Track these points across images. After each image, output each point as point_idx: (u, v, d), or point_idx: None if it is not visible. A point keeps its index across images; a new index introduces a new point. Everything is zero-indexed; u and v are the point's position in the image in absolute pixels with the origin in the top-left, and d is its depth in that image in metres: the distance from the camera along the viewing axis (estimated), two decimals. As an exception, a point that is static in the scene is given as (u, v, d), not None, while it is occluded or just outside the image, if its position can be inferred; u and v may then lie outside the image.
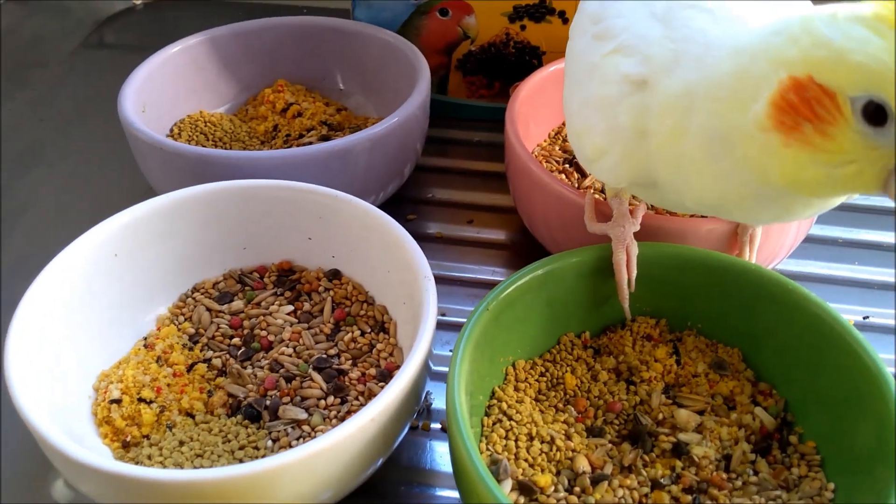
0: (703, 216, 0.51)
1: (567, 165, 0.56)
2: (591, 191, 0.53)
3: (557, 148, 0.58)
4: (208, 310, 0.47)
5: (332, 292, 0.48)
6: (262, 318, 0.46)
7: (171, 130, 0.59)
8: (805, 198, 0.34)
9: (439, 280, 0.54)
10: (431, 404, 0.46)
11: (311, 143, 0.58)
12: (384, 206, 0.57)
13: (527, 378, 0.42)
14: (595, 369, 0.43)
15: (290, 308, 0.47)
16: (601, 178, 0.41)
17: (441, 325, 0.51)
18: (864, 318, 0.51)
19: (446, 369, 0.39)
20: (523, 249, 0.56)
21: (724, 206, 0.36)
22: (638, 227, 0.43)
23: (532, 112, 0.56)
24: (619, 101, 0.37)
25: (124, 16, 0.84)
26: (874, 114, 0.28)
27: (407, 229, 0.57)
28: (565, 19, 0.59)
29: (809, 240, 0.55)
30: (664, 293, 0.44)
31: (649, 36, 0.37)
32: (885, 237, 0.56)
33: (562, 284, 0.43)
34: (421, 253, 0.43)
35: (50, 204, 0.61)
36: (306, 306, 0.47)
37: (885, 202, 0.59)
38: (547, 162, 0.56)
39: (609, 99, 0.38)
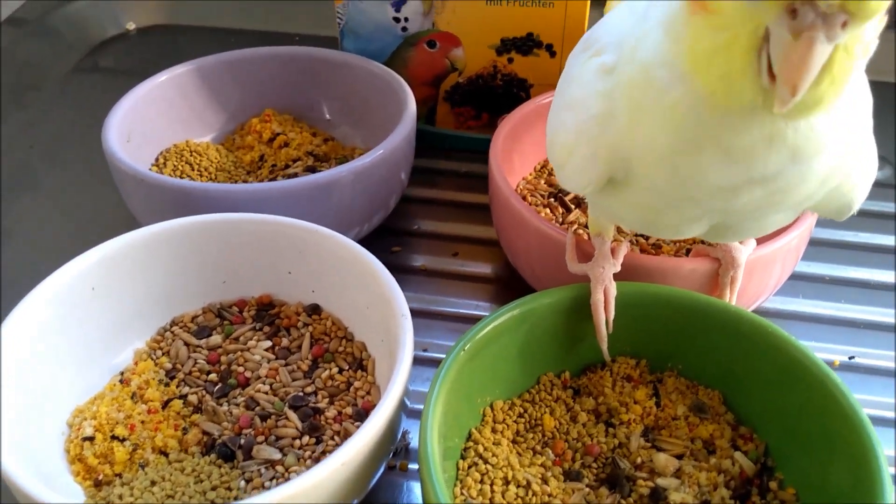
0: (685, 255, 0.51)
1: (552, 199, 0.56)
2: (574, 226, 0.53)
3: (542, 182, 0.57)
4: (186, 344, 0.47)
5: (311, 327, 0.47)
6: (239, 353, 0.46)
7: (157, 160, 0.59)
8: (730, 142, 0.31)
9: (422, 314, 0.54)
10: (409, 444, 0.46)
11: (296, 175, 0.58)
12: (369, 238, 0.57)
13: (504, 419, 0.42)
14: (574, 410, 0.43)
15: (269, 343, 0.47)
16: (572, 183, 0.39)
17: (422, 361, 0.50)
18: (850, 357, 0.50)
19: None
20: (508, 283, 0.56)
21: (677, 170, 0.33)
22: (618, 268, 0.43)
23: (517, 145, 0.56)
24: (591, 92, 0.37)
25: (118, 41, 0.84)
26: None
27: (391, 262, 0.57)
28: (552, 52, 0.59)
29: (795, 277, 0.55)
30: (645, 333, 0.44)
31: (624, 30, 0.37)
32: (871, 275, 0.56)
33: (540, 324, 0.42)
34: (399, 290, 0.42)
35: (35, 231, 0.60)
36: (284, 342, 0.47)
37: (873, 239, 0.58)
38: (531, 196, 0.56)
39: (582, 93, 0.37)
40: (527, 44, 0.59)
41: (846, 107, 0.32)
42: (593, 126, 0.36)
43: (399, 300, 0.42)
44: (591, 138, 0.37)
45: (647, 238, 0.52)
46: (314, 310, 0.48)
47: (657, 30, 0.33)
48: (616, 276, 0.43)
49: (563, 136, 0.39)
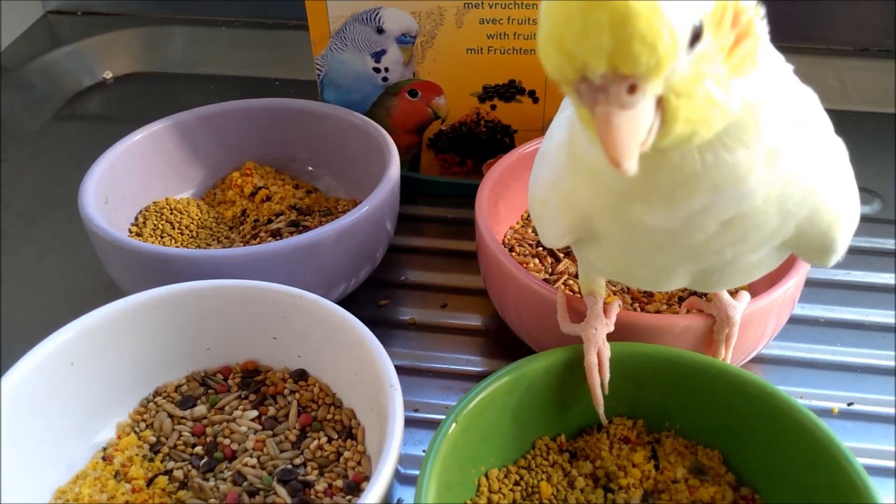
0: (677, 304, 0.50)
1: (540, 249, 0.55)
2: (565, 276, 0.52)
3: (531, 231, 0.56)
4: (170, 416, 0.45)
5: (298, 394, 0.46)
6: (225, 424, 0.45)
7: (136, 219, 0.58)
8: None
9: (412, 371, 0.53)
10: (403, 512, 0.44)
11: (279, 230, 0.57)
12: (357, 292, 0.56)
13: (500, 488, 0.41)
14: (571, 475, 0.41)
15: (255, 413, 0.45)
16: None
17: (413, 423, 0.49)
18: (849, 404, 0.49)
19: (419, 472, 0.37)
20: (498, 335, 0.55)
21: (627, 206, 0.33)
22: (612, 328, 0.42)
23: (504, 194, 0.55)
24: (553, 145, 0.37)
25: (95, 91, 0.82)
26: None
27: (379, 316, 0.56)
28: (535, 99, 0.59)
29: (789, 320, 0.54)
30: (640, 393, 0.43)
31: None
32: (867, 315, 0.55)
33: (533, 388, 0.41)
34: (387, 358, 0.41)
35: (10, 300, 0.58)
36: (271, 410, 0.45)
37: (865, 278, 0.58)
38: (519, 245, 0.55)
39: (552, 145, 0.38)
40: (509, 91, 0.59)
41: (775, 132, 0.30)
42: (556, 178, 0.37)
43: (387, 369, 0.40)
44: (557, 190, 0.37)
45: (640, 290, 0.52)
46: (301, 375, 0.47)
47: None
48: (609, 336, 0.42)
49: (536, 188, 0.39)
